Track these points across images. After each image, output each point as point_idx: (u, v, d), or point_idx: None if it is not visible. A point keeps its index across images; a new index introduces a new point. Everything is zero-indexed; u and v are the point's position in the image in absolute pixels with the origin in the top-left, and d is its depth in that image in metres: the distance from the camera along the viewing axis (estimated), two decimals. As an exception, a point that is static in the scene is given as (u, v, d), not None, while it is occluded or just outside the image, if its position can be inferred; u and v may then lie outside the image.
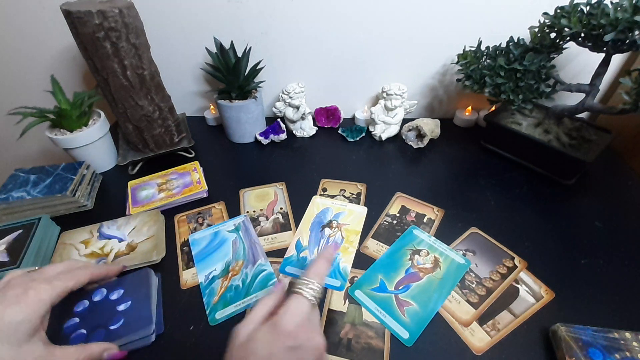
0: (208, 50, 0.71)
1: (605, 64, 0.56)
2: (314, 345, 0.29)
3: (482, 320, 0.43)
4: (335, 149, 0.76)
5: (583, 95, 0.59)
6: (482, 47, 0.64)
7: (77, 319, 0.41)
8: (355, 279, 0.49)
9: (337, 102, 0.83)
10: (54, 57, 0.81)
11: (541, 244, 0.53)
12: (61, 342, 0.38)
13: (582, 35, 0.53)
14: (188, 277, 0.49)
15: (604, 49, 0.53)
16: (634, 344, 0.37)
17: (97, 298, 0.43)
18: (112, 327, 0.40)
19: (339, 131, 0.80)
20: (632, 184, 0.63)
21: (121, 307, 0.42)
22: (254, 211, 0.60)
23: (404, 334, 0.42)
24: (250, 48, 0.69)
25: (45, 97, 0.66)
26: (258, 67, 0.72)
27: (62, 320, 0.41)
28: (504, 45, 0.61)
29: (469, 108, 0.80)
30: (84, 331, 0.40)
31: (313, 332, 0.30)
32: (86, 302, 0.42)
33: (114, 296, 0.43)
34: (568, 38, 0.55)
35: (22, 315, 0.31)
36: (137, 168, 0.70)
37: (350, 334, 0.42)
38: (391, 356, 0.40)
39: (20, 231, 0.51)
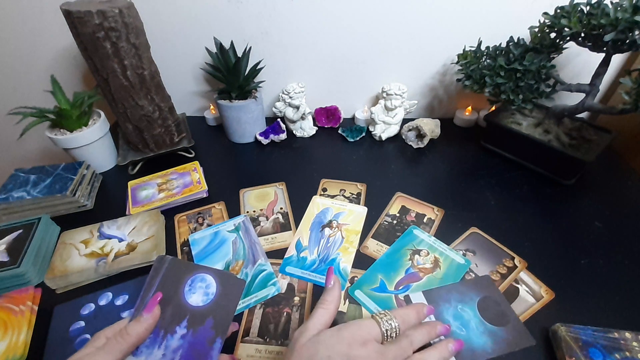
0: (208, 50, 0.71)
1: (605, 64, 0.56)
2: None
3: (482, 320, 0.43)
4: (335, 149, 0.76)
5: (583, 95, 0.59)
6: (482, 47, 0.64)
7: (82, 323, 0.41)
8: (355, 279, 0.49)
9: (337, 102, 0.83)
10: (54, 57, 0.81)
11: (541, 244, 0.53)
12: (66, 345, 0.38)
13: (582, 35, 0.53)
14: (188, 277, 0.49)
15: (604, 49, 0.53)
16: (634, 344, 0.37)
17: (102, 302, 0.43)
18: None
19: (339, 131, 0.80)
20: (632, 184, 0.63)
21: (125, 314, 0.42)
22: (254, 211, 0.60)
23: (404, 334, 0.42)
24: (250, 48, 0.69)
25: (45, 97, 0.66)
26: (258, 67, 0.72)
27: (68, 323, 0.41)
28: (504, 45, 0.61)
29: (469, 108, 0.80)
30: (88, 336, 0.40)
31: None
32: (92, 306, 0.42)
33: (119, 302, 0.43)
34: (568, 38, 0.55)
35: None
36: (137, 168, 0.70)
37: (350, 334, 0.42)
38: (391, 356, 0.40)
39: (20, 231, 0.51)
